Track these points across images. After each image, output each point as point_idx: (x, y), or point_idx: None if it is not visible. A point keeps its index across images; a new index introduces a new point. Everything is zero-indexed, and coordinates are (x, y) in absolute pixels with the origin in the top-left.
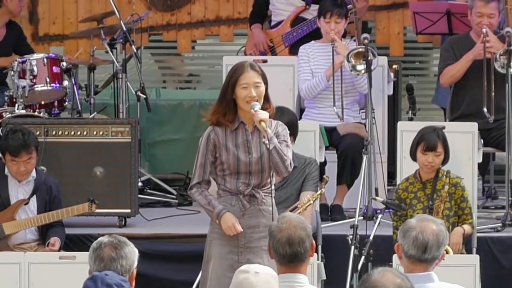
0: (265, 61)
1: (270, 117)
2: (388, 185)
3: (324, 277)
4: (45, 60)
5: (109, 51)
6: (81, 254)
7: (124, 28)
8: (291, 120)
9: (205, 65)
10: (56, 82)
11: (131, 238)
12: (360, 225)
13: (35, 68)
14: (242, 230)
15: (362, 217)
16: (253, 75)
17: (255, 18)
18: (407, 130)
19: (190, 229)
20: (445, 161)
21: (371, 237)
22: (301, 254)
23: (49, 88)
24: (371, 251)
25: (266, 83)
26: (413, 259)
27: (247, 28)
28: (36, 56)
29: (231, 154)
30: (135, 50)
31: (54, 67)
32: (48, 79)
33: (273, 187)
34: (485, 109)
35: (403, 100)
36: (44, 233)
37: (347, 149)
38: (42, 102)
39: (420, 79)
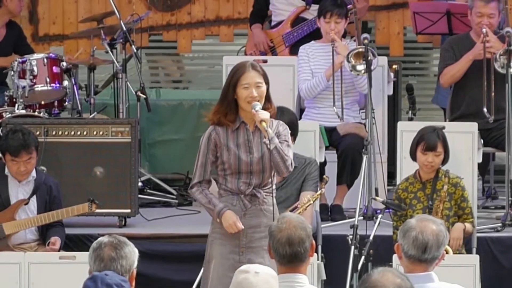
0: (265, 61)
1: (271, 117)
2: (388, 185)
3: (324, 277)
4: (45, 60)
5: (109, 51)
6: (81, 254)
7: (124, 28)
8: (291, 120)
9: (205, 65)
10: (56, 82)
11: (131, 238)
12: (360, 225)
13: (35, 68)
14: (243, 227)
15: (362, 217)
16: (254, 75)
17: (255, 18)
18: (407, 130)
19: (190, 229)
20: (445, 161)
21: (371, 237)
22: (301, 254)
23: (49, 88)
24: (371, 251)
25: (267, 83)
26: (413, 259)
27: (247, 28)
28: (36, 56)
29: (232, 154)
30: (135, 50)
31: (54, 67)
32: (48, 79)
33: (274, 186)
34: (485, 109)
35: (403, 100)
36: (44, 233)
37: (347, 149)
38: (42, 102)
39: (420, 79)
